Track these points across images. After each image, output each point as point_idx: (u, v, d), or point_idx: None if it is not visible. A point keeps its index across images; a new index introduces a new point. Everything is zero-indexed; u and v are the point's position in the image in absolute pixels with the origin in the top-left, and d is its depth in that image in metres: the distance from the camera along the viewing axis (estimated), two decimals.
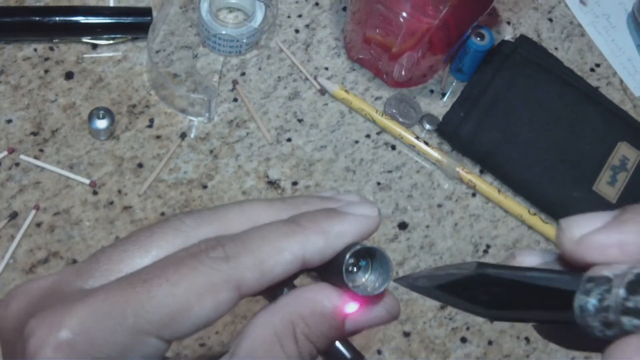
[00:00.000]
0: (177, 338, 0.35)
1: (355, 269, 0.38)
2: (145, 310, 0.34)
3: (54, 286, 0.37)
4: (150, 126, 0.92)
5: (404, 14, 0.89)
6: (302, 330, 0.36)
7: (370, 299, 0.37)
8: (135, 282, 0.35)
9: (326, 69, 1.00)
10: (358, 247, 0.36)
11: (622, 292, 0.27)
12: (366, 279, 0.37)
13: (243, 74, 0.97)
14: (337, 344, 0.45)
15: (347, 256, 0.36)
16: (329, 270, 0.37)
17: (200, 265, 0.34)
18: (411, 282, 0.37)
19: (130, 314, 0.34)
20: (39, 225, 0.86)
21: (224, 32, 0.95)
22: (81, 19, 0.94)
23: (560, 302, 0.30)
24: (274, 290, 0.38)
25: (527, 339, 0.89)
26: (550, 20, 1.09)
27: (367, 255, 0.37)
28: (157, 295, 0.34)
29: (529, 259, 0.34)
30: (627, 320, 0.27)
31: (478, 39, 0.98)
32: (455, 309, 0.35)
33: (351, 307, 0.37)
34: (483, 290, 0.33)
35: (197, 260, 0.35)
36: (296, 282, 0.39)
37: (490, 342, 0.89)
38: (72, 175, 0.88)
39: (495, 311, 0.33)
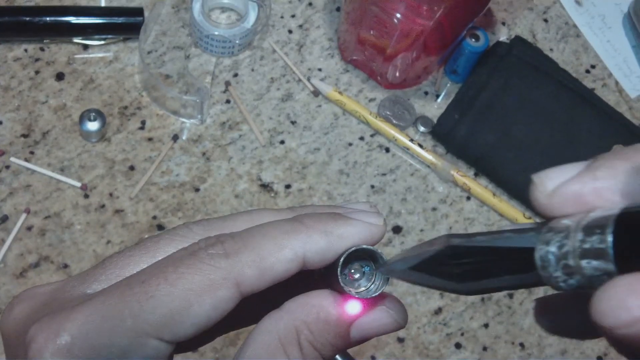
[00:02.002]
0: (178, 339, 0.34)
1: (357, 275, 0.37)
2: (143, 311, 0.33)
3: (57, 291, 0.37)
4: (142, 128, 0.91)
5: (398, 15, 0.88)
6: (306, 337, 0.35)
7: (368, 301, 0.36)
8: (133, 284, 0.34)
9: (320, 70, 0.99)
10: (355, 248, 0.36)
11: (579, 235, 0.26)
12: (367, 282, 0.37)
13: (236, 75, 0.97)
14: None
15: (343, 256, 0.35)
16: (332, 277, 0.37)
17: (199, 262, 0.34)
18: (388, 269, 0.36)
19: (129, 316, 0.33)
20: (29, 228, 0.85)
21: (216, 32, 0.94)
22: (72, 19, 0.93)
23: (526, 261, 0.28)
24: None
25: (522, 345, 0.89)
26: (546, 20, 1.09)
27: (367, 258, 0.37)
28: (155, 295, 0.33)
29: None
30: (585, 263, 0.26)
31: (473, 40, 0.97)
32: (433, 289, 0.34)
33: (354, 310, 0.36)
34: (454, 263, 0.32)
35: (195, 258, 0.34)
36: None
37: (485, 348, 0.88)
38: (63, 178, 0.87)
39: (469, 283, 0.31)
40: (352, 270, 0.37)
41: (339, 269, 0.35)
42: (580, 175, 0.29)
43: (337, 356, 0.44)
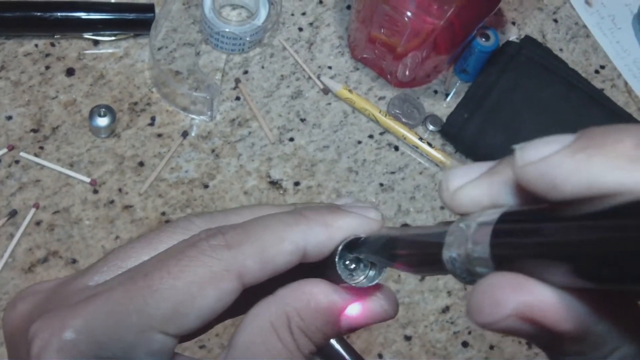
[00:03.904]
0: (183, 332, 0.34)
1: (353, 266, 0.37)
2: (148, 306, 0.33)
3: (59, 287, 0.37)
4: (151, 124, 0.92)
5: (409, 14, 0.88)
6: (296, 324, 0.35)
7: (363, 291, 0.37)
8: (137, 277, 0.34)
9: (330, 67, 0.99)
10: (353, 237, 0.36)
11: (470, 244, 0.28)
12: (364, 273, 0.37)
13: (246, 72, 0.97)
14: (338, 346, 0.45)
15: (341, 245, 0.36)
16: (327, 265, 0.37)
17: (201, 254, 0.34)
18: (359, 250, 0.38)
19: (133, 311, 0.33)
20: (38, 223, 0.85)
21: (227, 29, 0.94)
22: (83, 15, 0.93)
23: (438, 259, 0.31)
24: None
25: (528, 344, 0.89)
26: (556, 21, 1.09)
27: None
28: (159, 289, 0.33)
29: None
30: (479, 269, 0.28)
31: (483, 39, 0.97)
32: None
33: (346, 300, 0.36)
34: (388, 252, 0.35)
35: (197, 250, 0.34)
36: None
37: (491, 347, 0.88)
38: (72, 174, 0.87)
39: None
40: (347, 261, 0.37)
41: (336, 258, 0.36)
42: (480, 179, 0.30)
43: (340, 349, 0.44)
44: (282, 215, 0.36)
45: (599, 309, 0.27)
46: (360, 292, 0.37)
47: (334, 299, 0.36)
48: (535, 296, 0.26)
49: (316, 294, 0.36)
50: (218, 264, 0.34)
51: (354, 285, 0.36)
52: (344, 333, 0.39)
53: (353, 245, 0.36)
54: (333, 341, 0.45)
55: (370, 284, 0.37)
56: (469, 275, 0.29)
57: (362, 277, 0.37)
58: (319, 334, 0.36)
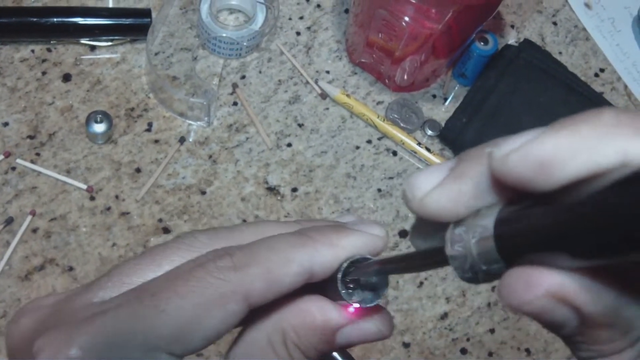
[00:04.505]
0: (189, 353, 0.35)
1: (353, 285, 0.37)
2: (154, 326, 0.33)
3: (63, 302, 0.37)
4: (148, 130, 0.91)
5: (407, 19, 0.88)
6: (292, 339, 0.36)
7: (362, 311, 0.37)
8: (143, 296, 0.34)
9: (327, 72, 0.98)
10: (357, 257, 0.36)
11: (476, 258, 0.28)
12: (363, 294, 0.37)
13: (243, 77, 0.96)
14: (335, 354, 0.45)
15: (344, 265, 0.36)
16: (328, 282, 0.37)
17: (208, 276, 0.34)
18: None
19: (140, 331, 0.33)
20: (34, 231, 0.85)
21: (224, 34, 0.94)
22: (79, 20, 0.93)
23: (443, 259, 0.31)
24: None
25: (527, 350, 0.88)
26: (555, 24, 1.08)
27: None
28: (165, 309, 0.33)
29: None
30: (485, 268, 0.28)
31: (482, 43, 0.97)
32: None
33: (342, 318, 0.37)
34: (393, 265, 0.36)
35: (204, 271, 0.34)
36: None
37: (490, 354, 0.88)
38: (69, 180, 0.87)
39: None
40: (349, 280, 0.37)
41: (339, 276, 0.36)
42: (446, 184, 0.30)
43: (336, 355, 0.44)
44: (288, 236, 0.36)
45: (628, 292, 0.27)
46: (358, 311, 0.37)
47: (330, 317, 0.36)
48: (567, 277, 0.26)
49: (313, 312, 0.36)
50: (225, 285, 0.34)
51: (352, 304, 0.36)
52: (338, 349, 0.39)
53: (356, 265, 0.36)
54: None
55: (369, 305, 0.37)
56: (473, 275, 0.29)
57: (361, 297, 0.37)
58: (313, 350, 0.36)
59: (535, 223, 0.26)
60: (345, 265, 0.36)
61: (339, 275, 0.36)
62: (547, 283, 0.26)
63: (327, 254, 0.36)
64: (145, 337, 0.33)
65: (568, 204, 0.25)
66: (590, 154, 0.24)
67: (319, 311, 0.36)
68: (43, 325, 0.36)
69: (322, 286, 0.37)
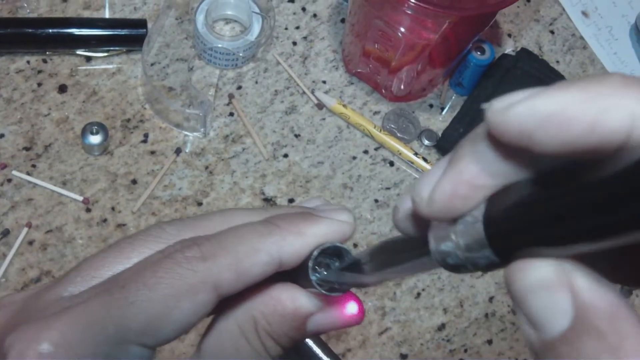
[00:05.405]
0: (160, 344, 0.35)
1: (325, 273, 0.37)
2: (125, 319, 0.33)
3: (33, 298, 0.37)
4: (144, 141, 0.91)
5: (402, 30, 0.88)
6: (263, 327, 0.36)
7: (333, 298, 0.37)
8: (113, 289, 0.34)
9: (324, 82, 0.98)
10: (327, 245, 0.36)
11: (464, 251, 0.28)
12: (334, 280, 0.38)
13: (239, 87, 0.96)
14: (313, 345, 0.45)
15: (314, 253, 0.36)
16: (299, 270, 0.37)
17: (177, 266, 0.34)
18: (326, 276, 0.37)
19: (111, 323, 0.33)
20: (31, 243, 0.85)
21: (220, 44, 0.93)
22: (75, 31, 0.92)
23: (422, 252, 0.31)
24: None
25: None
26: (552, 32, 1.08)
27: (337, 256, 0.37)
28: (135, 301, 0.33)
29: None
30: (476, 259, 0.28)
31: (479, 53, 0.96)
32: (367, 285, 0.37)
33: (313, 305, 0.37)
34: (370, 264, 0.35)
35: (173, 262, 0.34)
36: None
37: None
38: (65, 192, 0.87)
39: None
40: (320, 268, 0.37)
41: (310, 264, 0.36)
42: (445, 172, 0.29)
43: (315, 348, 0.44)
44: (257, 225, 0.36)
45: None
46: (329, 298, 0.37)
47: (300, 304, 0.36)
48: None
49: (284, 299, 0.36)
50: (194, 275, 0.34)
51: (324, 292, 0.37)
52: (309, 336, 0.39)
53: (327, 253, 0.37)
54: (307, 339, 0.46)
55: (339, 294, 0.37)
56: (461, 266, 0.29)
57: (332, 285, 0.37)
58: (285, 338, 0.37)
59: (525, 203, 0.25)
60: (315, 253, 0.36)
61: (310, 264, 0.36)
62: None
63: (296, 242, 0.36)
64: (116, 329, 0.34)
65: (569, 188, 0.24)
66: (599, 112, 0.23)
67: (289, 299, 0.36)
68: (13, 321, 0.36)
69: (293, 274, 0.38)
